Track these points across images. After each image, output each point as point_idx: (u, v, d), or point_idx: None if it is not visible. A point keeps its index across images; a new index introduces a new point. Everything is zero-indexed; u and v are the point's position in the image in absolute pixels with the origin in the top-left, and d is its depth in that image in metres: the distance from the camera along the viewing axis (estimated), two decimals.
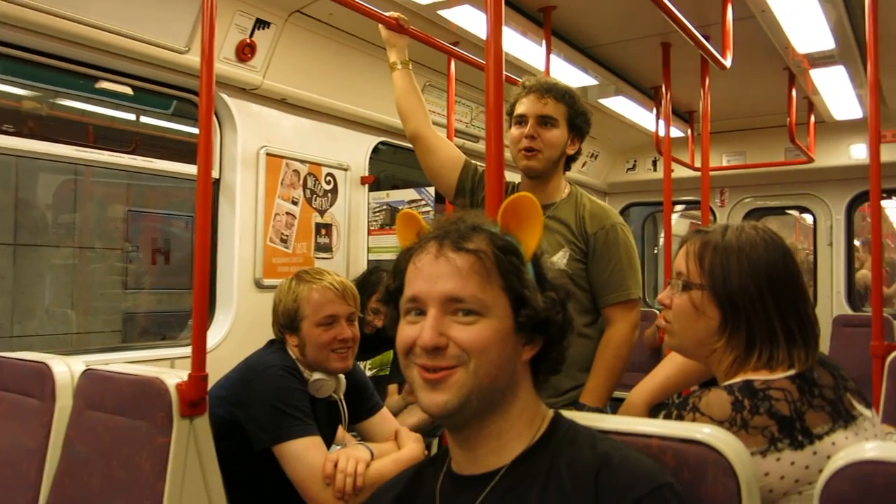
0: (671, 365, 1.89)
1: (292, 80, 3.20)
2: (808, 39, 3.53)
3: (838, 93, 4.53)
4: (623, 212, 6.62)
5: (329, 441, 2.12)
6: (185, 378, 1.62)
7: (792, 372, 1.24)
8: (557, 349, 1.09)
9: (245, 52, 2.90)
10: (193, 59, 2.70)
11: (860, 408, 1.26)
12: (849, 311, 5.56)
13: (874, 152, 2.58)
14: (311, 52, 3.22)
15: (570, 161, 2.27)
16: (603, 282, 2.14)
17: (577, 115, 2.19)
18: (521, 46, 3.52)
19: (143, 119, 5.78)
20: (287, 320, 2.02)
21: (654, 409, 1.92)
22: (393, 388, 3.32)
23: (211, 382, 1.95)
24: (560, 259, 2.14)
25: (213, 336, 3.00)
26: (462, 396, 0.99)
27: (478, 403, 1.00)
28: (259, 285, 3.16)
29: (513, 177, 2.38)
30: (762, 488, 1.13)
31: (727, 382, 1.26)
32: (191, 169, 2.92)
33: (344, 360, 2.02)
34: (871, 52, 2.60)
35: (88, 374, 1.85)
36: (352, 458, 1.82)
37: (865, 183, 2.65)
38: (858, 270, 5.95)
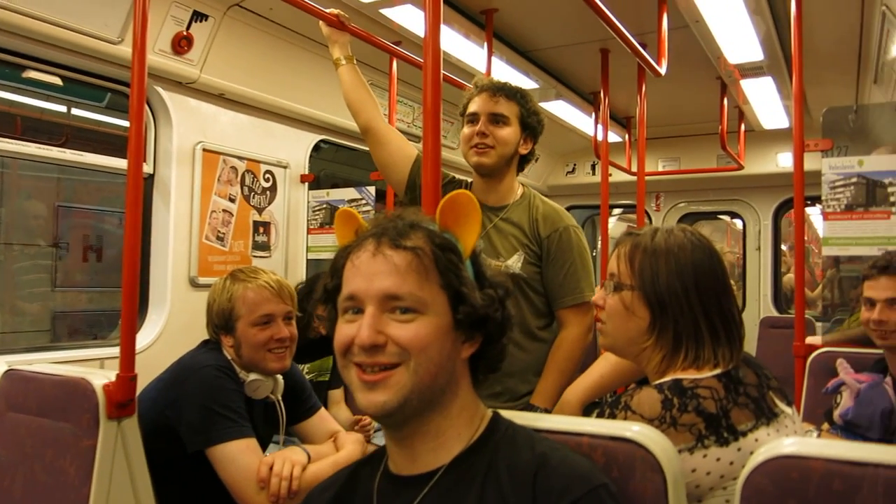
0: (605, 364, 1.93)
1: (231, 75, 3.14)
2: (739, 50, 3.66)
3: (766, 103, 4.72)
4: None
5: (266, 443, 2.09)
6: (113, 378, 1.58)
7: (718, 371, 1.27)
8: (496, 347, 1.10)
9: (181, 44, 2.84)
10: (126, 50, 2.62)
11: (782, 405, 1.31)
12: (775, 313, 5.78)
13: (798, 161, 2.69)
14: (250, 46, 3.16)
15: (523, 162, 2.26)
16: (557, 284, 2.15)
17: (529, 114, 2.19)
18: (464, 48, 3.54)
19: (75, 111, 5.58)
20: (222, 320, 1.97)
21: (589, 408, 1.96)
22: (338, 394, 3.22)
23: (144, 383, 1.90)
24: (515, 262, 2.13)
25: (146, 336, 2.92)
26: (402, 396, 0.98)
27: (418, 403, 1.00)
28: (194, 284, 3.09)
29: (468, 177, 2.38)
30: (689, 484, 1.16)
31: (658, 381, 1.29)
32: (124, 163, 2.84)
33: (281, 360, 1.98)
34: (796, 64, 2.72)
35: (10, 375, 1.78)
36: (287, 460, 1.78)
37: (791, 190, 2.76)
38: (785, 274, 6.18)
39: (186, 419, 1.81)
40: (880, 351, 2.31)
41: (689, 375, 1.26)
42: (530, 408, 2.07)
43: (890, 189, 2.61)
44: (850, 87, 4.48)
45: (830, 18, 3.37)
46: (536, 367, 2.13)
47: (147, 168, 3.00)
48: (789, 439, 0.98)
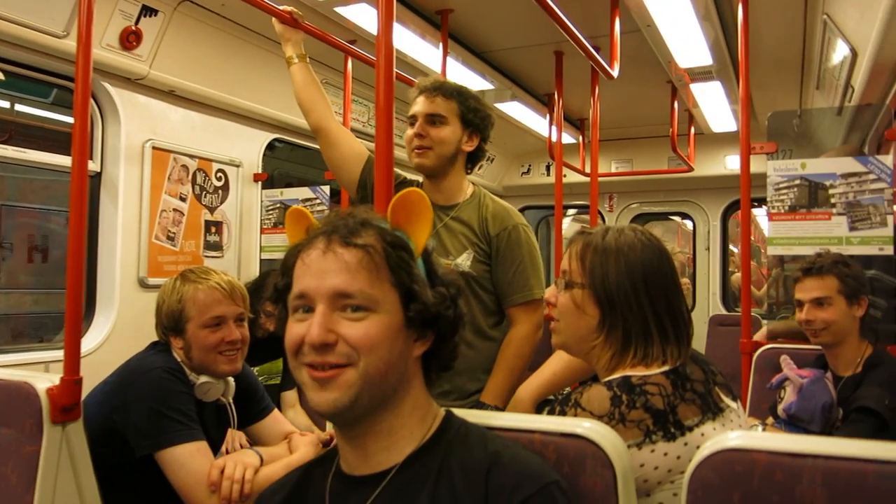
0: (557, 361, 1.94)
1: (181, 72, 3.08)
2: (689, 55, 3.74)
3: (715, 107, 4.83)
4: None
5: (217, 446, 2.05)
6: (57, 382, 1.53)
7: (666, 367, 1.30)
8: (448, 345, 1.10)
9: (130, 39, 2.77)
10: (72, 44, 2.54)
11: (727, 400, 1.34)
12: (723, 312, 5.93)
13: (745, 163, 2.77)
14: (201, 42, 3.11)
15: (473, 159, 2.26)
16: (506, 283, 2.16)
17: (469, 111, 2.18)
18: (419, 48, 3.54)
19: (19, 107, 5.43)
20: (171, 322, 1.93)
21: (541, 405, 1.97)
22: (292, 396, 3.14)
23: (92, 387, 1.85)
24: (464, 261, 2.13)
25: (93, 338, 2.85)
26: (352, 394, 0.98)
27: (369, 401, 0.99)
28: (143, 284, 3.03)
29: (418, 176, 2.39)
30: (638, 479, 1.18)
31: (607, 378, 1.31)
32: (69, 161, 2.77)
33: (232, 362, 1.94)
34: (742, 69, 2.80)
35: None
36: (239, 463, 1.75)
37: (739, 191, 2.84)
38: (733, 274, 6.34)
39: (134, 423, 1.76)
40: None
41: (637, 372, 1.28)
42: (480, 405, 2.08)
43: (831, 191, 2.70)
44: (793, 93, 4.62)
45: (775, 26, 3.47)
46: (486, 365, 2.14)
47: (94, 166, 2.92)
48: (734, 433, 1.01)
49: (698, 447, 1.02)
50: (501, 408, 2.10)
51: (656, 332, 1.32)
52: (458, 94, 2.18)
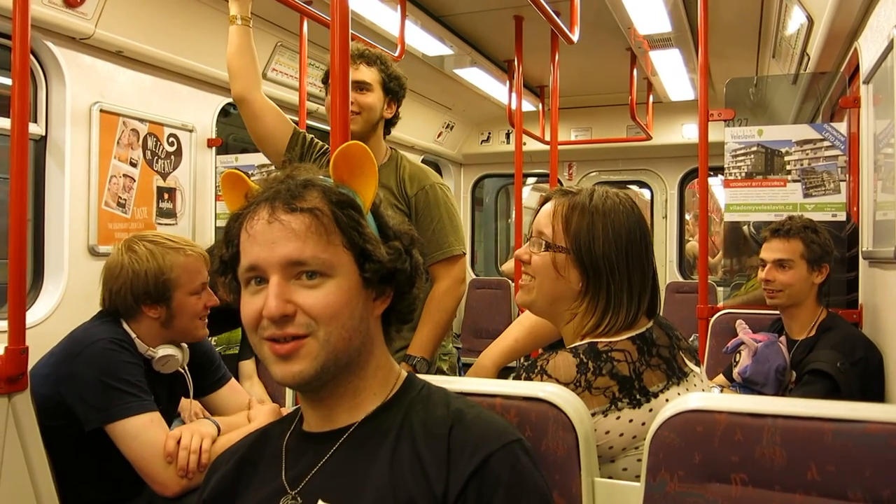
0: (519, 328, 1.94)
1: (130, 32, 2.96)
2: (649, 22, 3.74)
3: (673, 74, 4.86)
4: (477, 183, 6.76)
5: (171, 417, 2.01)
6: (2, 352, 1.48)
7: (633, 333, 1.30)
8: (408, 298, 1.08)
9: None
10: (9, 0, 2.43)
11: (690, 365, 1.35)
12: (679, 279, 6.03)
13: (703, 132, 2.79)
14: (150, 1, 2.99)
15: (388, 125, 2.33)
16: (426, 241, 2.20)
17: (390, 79, 2.26)
18: (377, 11, 3.46)
19: None
20: (157, 290, 1.84)
21: (503, 372, 1.98)
22: (249, 366, 3.08)
23: (40, 358, 1.79)
24: None
25: (42, 308, 2.76)
26: (317, 365, 0.95)
27: (335, 369, 0.97)
28: (94, 252, 2.94)
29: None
30: (603, 445, 1.19)
31: (573, 344, 1.30)
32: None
33: (206, 326, 1.96)
34: (702, 37, 2.81)
35: None
36: (196, 433, 1.72)
37: (695, 160, 2.87)
38: (688, 242, 6.44)
39: (82, 396, 1.70)
40: (778, 312, 2.45)
41: (604, 339, 1.28)
42: (407, 358, 2.14)
43: (787, 157, 2.74)
44: (750, 61, 4.66)
45: None
46: (412, 323, 2.16)
47: (39, 129, 2.81)
48: (695, 394, 1.02)
49: None
50: (427, 359, 2.18)
51: (636, 299, 1.31)
52: (379, 62, 2.24)
